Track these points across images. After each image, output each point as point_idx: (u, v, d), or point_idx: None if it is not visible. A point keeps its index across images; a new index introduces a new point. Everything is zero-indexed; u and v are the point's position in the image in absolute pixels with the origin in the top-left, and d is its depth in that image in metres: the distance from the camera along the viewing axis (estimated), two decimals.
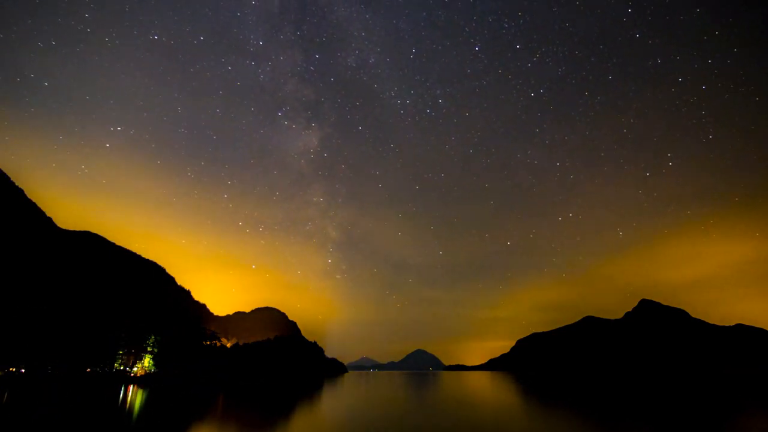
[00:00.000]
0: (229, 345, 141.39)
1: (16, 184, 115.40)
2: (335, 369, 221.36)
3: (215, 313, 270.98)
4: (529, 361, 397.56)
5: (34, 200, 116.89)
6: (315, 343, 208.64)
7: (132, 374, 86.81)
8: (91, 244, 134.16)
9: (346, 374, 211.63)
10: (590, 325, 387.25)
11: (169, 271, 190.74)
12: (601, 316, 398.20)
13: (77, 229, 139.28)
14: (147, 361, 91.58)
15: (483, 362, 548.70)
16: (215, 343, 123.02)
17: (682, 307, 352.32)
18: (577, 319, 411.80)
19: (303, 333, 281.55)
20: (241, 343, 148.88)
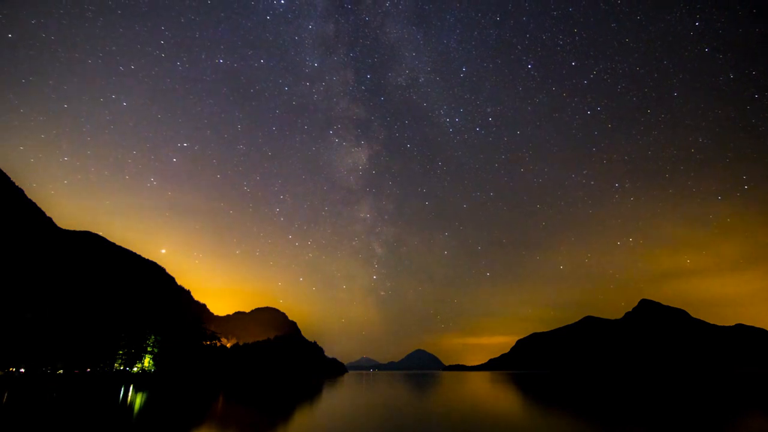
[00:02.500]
0: (229, 345, 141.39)
1: (16, 183, 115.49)
2: (335, 369, 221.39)
3: (215, 313, 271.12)
4: (529, 361, 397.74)
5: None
6: (315, 343, 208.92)
7: (132, 374, 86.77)
8: (91, 244, 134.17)
9: (345, 374, 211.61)
10: (590, 325, 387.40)
11: (170, 271, 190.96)
12: (601, 316, 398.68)
13: (78, 229, 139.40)
14: (147, 361, 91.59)
15: (483, 362, 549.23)
16: (215, 343, 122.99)
17: (682, 307, 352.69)
18: (577, 319, 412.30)
19: (303, 333, 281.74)
20: (241, 343, 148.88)
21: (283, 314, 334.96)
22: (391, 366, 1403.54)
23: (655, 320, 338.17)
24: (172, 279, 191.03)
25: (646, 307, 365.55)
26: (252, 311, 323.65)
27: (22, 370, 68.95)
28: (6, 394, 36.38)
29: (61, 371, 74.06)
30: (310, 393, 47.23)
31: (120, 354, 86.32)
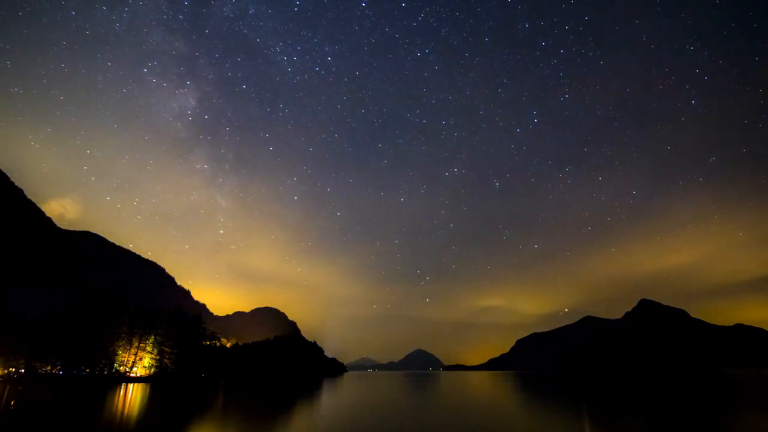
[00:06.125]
0: (229, 345, 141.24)
1: (16, 184, 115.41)
2: (335, 369, 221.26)
3: (215, 313, 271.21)
4: (529, 361, 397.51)
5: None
6: (315, 343, 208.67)
7: (132, 374, 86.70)
8: (92, 244, 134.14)
9: (345, 374, 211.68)
10: (590, 325, 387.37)
11: (171, 271, 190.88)
12: (601, 316, 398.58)
13: (79, 229, 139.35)
14: (147, 361, 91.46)
15: (483, 362, 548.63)
16: (215, 343, 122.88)
17: (682, 307, 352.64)
18: (577, 319, 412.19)
19: (303, 333, 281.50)
20: (241, 343, 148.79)
21: (283, 314, 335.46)
22: (390, 366, 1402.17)
23: (655, 320, 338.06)
24: (172, 279, 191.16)
25: (646, 307, 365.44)
26: (252, 311, 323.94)
27: (22, 370, 68.94)
28: (6, 394, 36.37)
29: (60, 371, 74.04)
30: (310, 393, 47.21)
31: (120, 354, 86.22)
